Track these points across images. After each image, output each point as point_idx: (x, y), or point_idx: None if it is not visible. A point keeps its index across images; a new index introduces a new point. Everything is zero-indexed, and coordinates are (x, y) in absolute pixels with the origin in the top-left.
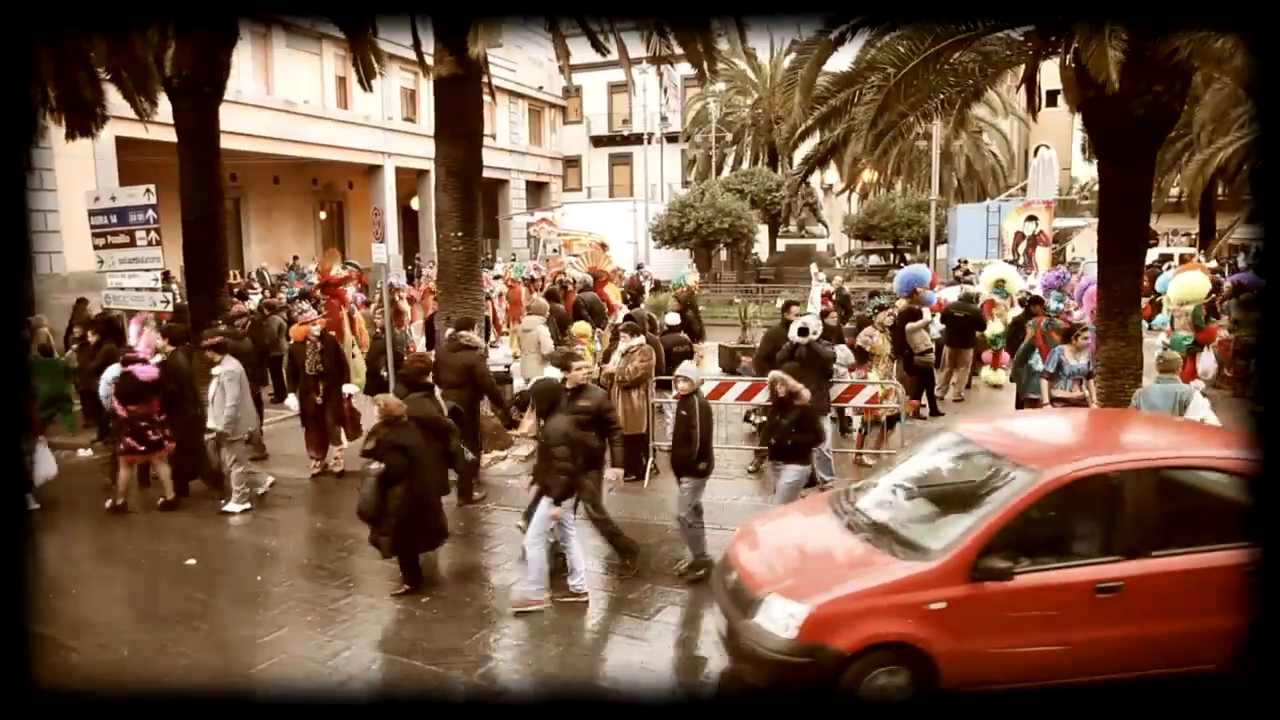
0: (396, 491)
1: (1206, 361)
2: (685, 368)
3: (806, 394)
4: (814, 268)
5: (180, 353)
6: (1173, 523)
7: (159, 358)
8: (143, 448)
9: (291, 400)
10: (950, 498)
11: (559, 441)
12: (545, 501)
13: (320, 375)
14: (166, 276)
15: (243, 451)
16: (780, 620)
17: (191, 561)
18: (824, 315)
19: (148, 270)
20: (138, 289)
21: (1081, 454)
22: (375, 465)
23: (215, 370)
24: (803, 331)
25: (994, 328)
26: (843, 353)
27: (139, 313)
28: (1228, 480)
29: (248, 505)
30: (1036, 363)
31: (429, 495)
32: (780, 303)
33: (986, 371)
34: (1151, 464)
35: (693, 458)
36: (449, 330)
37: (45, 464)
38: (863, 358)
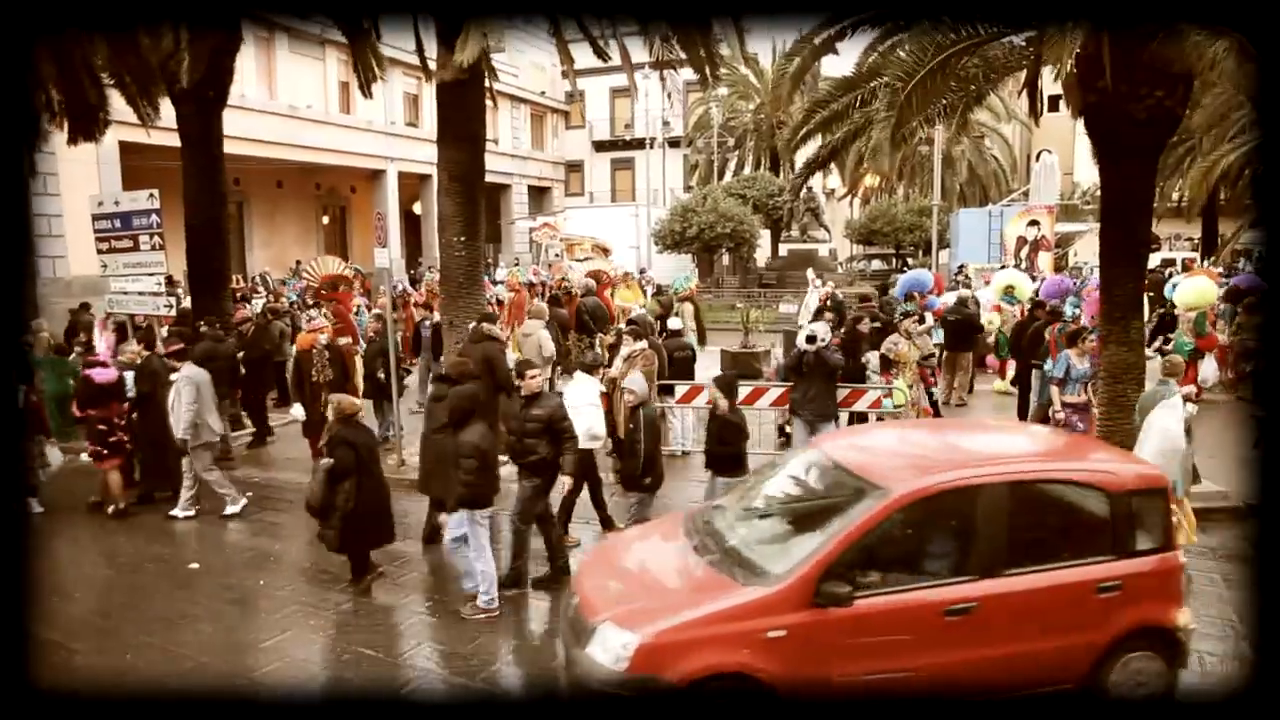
0: (344, 487)
1: (1207, 369)
2: (632, 380)
3: (724, 405)
4: (810, 273)
5: (155, 357)
6: (1029, 540)
7: (131, 360)
8: (105, 451)
9: (297, 408)
10: (802, 518)
11: (469, 453)
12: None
13: (327, 384)
14: (170, 281)
15: (206, 458)
16: (612, 650)
17: (195, 565)
18: (820, 315)
19: (151, 275)
20: (141, 293)
21: (933, 470)
22: (325, 460)
23: (174, 375)
24: (810, 339)
25: (993, 320)
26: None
27: (106, 317)
28: (1086, 494)
29: (192, 512)
30: (1049, 368)
31: (379, 492)
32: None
33: (995, 381)
34: (1005, 479)
35: (637, 472)
36: (471, 323)
37: (53, 458)
38: (887, 365)
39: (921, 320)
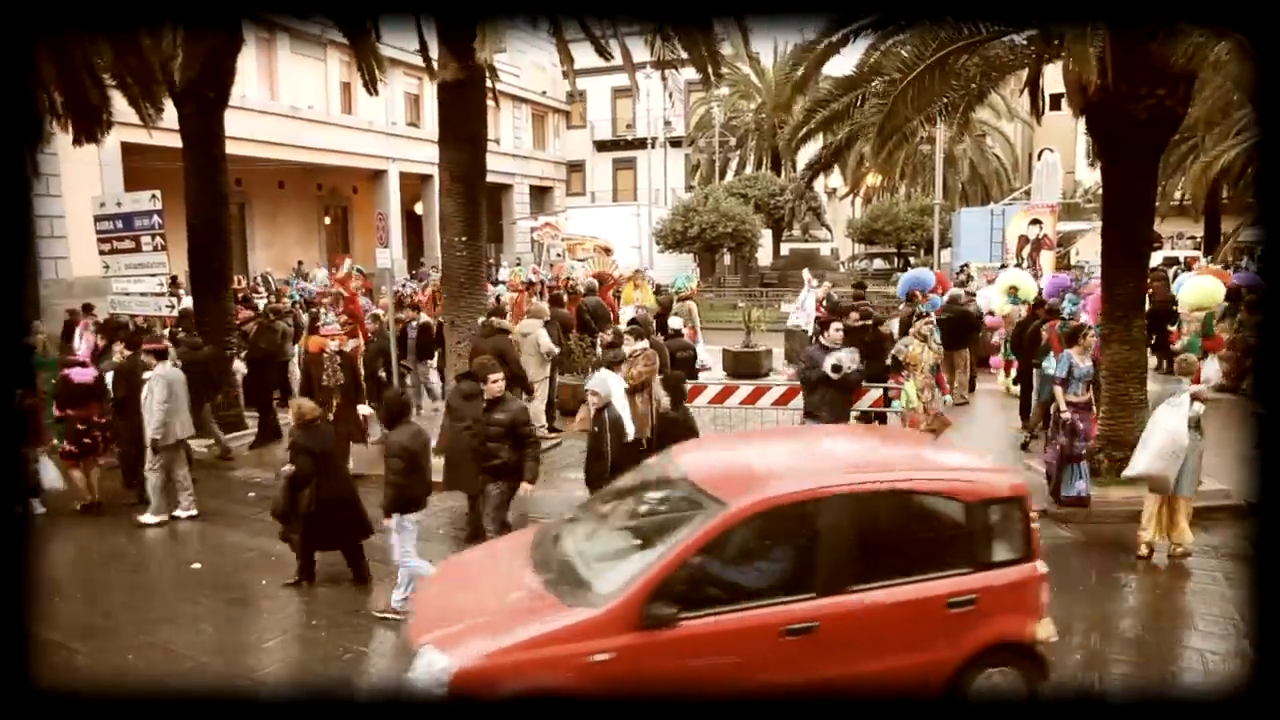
0: (305, 493)
1: (1210, 369)
2: (596, 380)
3: (667, 404)
4: (806, 273)
5: (135, 357)
6: (876, 554)
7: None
8: (77, 451)
9: None
10: (645, 533)
11: (396, 454)
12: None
13: (338, 388)
14: (174, 281)
15: (170, 460)
16: (431, 674)
17: (197, 565)
18: (821, 322)
19: (153, 275)
20: (143, 294)
21: (775, 481)
22: (287, 467)
23: (146, 374)
24: (836, 369)
25: (996, 304)
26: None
27: (86, 317)
28: (939, 504)
29: (164, 516)
30: (1048, 366)
31: (341, 493)
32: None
33: (1001, 377)
34: (851, 490)
35: (605, 474)
36: (482, 318)
37: (49, 475)
38: (897, 366)
39: (881, 321)
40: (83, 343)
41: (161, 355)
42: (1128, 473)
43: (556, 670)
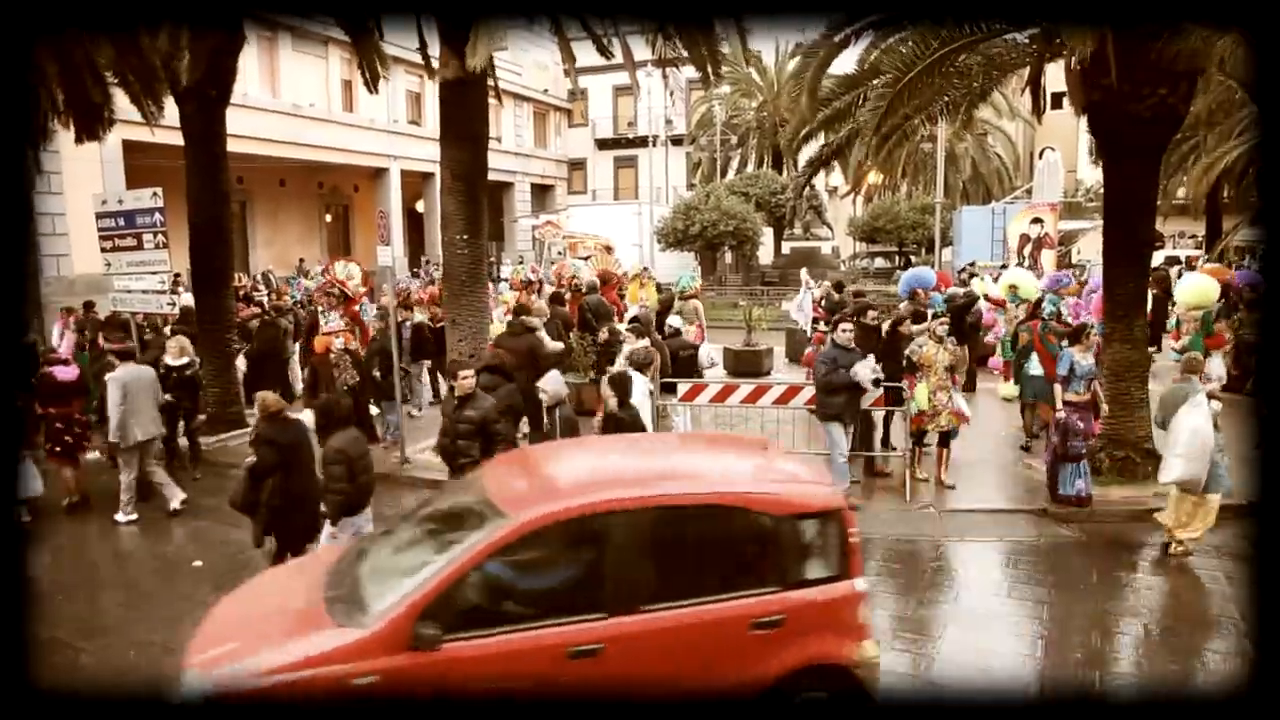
0: (268, 485)
1: (1214, 368)
2: (548, 379)
3: (614, 403)
4: (804, 273)
5: (105, 356)
6: (676, 571)
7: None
8: (59, 449)
9: (308, 415)
10: (436, 549)
11: (334, 460)
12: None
13: (348, 389)
14: (178, 279)
15: (132, 459)
16: (193, 696)
17: (199, 564)
18: (818, 322)
19: (154, 273)
20: (144, 291)
21: (564, 494)
22: (249, 459)
23: (107, 376)
24: (876, 383)
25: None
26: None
27: (66, 314)
28: (747, 518)
29: (134, 516)
30: (1031, 367)
31: (305, 492)
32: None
33: (1001, 385)
34: (648, 502)
35: None
36: (507, 317)
37: (28, 480)
38: (911, 368)
39: (923, 318)
40: (63, 341)
41: (125, 356)
42: (1164, 479)
43: (317, 692)
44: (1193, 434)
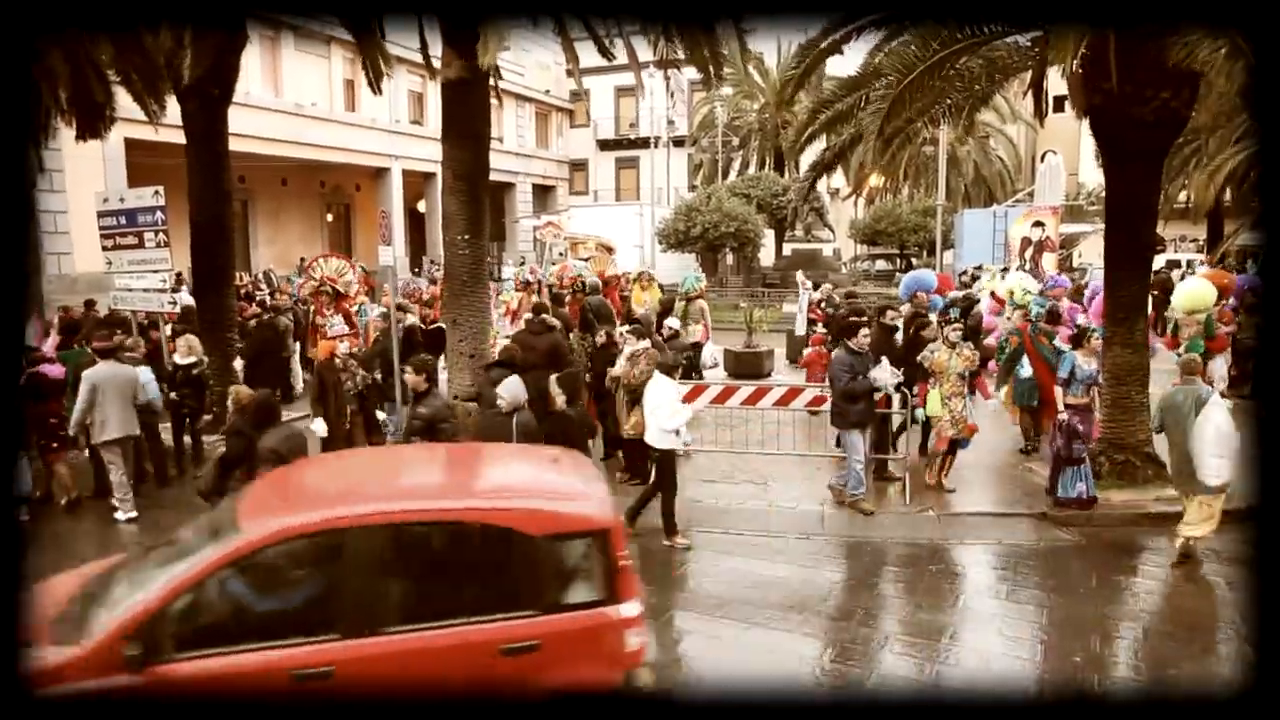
0: (236, 474)
1: (1217, 369)
2: (506, 385)
3: (562, 402)
4: (800, 275)
5: (87, 353)
6: (419, 592)
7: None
8: (55, 445)
9: (319, 424)
10: (178, 563)
11: (267, 459)
12: None
13: (355, 395)
14: (180, 278)
15: (117, 457)
16: None
17: None
18: (814, 324)
19: (156, 271)
20: (146, 290)
21: (298, 508)
22: (219, 450)
23: (83, 372)
24: (898, 387)
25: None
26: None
27: (51, 313)
28: (501, 537)
29: (134, 514)
30: (1022, 369)
31: None
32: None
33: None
34: (387, 519)
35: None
36: (527, 315)
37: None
38: (923, 374)
39: (925, 321)
40: (47, 340)
41: (106, 354)
42: (1213, 482)
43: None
44: (1219, 436)
